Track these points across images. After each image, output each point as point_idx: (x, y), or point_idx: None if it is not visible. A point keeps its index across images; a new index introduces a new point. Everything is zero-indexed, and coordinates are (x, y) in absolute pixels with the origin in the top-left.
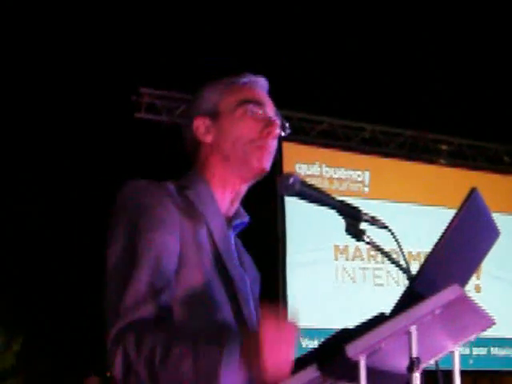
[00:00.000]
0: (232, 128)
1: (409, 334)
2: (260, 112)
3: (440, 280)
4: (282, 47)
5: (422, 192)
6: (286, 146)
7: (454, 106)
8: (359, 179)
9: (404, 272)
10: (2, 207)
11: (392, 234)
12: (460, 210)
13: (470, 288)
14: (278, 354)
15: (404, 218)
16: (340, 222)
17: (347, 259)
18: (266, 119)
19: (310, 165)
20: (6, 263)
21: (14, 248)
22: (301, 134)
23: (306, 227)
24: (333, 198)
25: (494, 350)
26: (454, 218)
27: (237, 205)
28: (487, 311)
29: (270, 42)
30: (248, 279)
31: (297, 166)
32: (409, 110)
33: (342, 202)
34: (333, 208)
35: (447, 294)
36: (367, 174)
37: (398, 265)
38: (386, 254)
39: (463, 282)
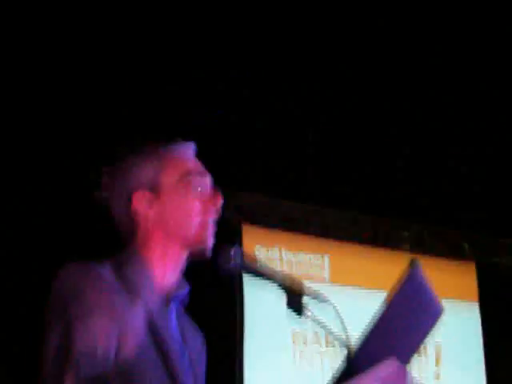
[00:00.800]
0: (176, 202)
1: None
2: (202, 183)
3: (380, 355)
4: (240, 132)
5: (383, 277)
6: (245, 228)
7: (414, 192)
8: (318, 263)
9: (346, 349)
10: None
11: (334, 309)
12: (400, 282)
13: (429, 375)
14: None
15: (365, 303)
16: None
17: (305, 343)
18: (209, 191)
19: (269, 248)
20: None
21: None
22: (261, 217)
23: (263, 311)
24: (274, 272)
25: None
26: (394, 289)
27: (177, 274)
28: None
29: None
30: (189, 354)
31: (256, 248)
32: (367, 196)
33: (284, 277)
34: (274, 282)
35: (385, 368)
36: (326, 258)
37: (340, 342)
38: (328, 330)
39: (405, 358)
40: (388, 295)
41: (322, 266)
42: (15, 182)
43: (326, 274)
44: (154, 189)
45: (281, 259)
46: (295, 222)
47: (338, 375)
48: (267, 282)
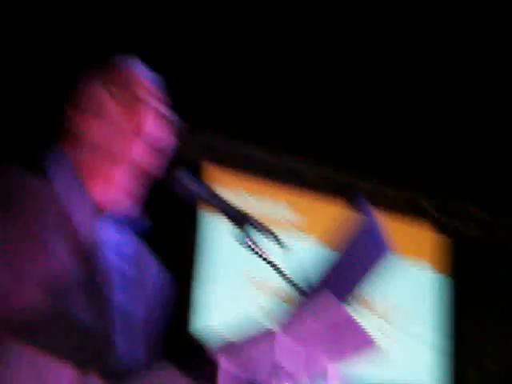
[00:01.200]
0: (123, 122)
1: (276, 339)
2: (156, 108)
3: (319, 289)
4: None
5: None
6: (207, 168)
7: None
8: (280, 210)
9: (285, 279)
10: None
11: (277, 240)
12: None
13: (378, 333)
14: None
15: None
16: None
17: (260, 289)
18: (157, 117)
19: (231, 190)
20: None
21: None
22: (224, 158)
23: (221, 253)
24: (222, 200)
25: None
26: (339, 225)
27: (119, 193)
28: (366, 331)
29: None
30: (145, 285)
31: (217, 190)
32: (332, 149)
33: (231, 205)
34: (220, 211)
35: (318, 301)
36: (286, 205)
37: (282, 275)
38: (271, 264)
39: (346, 295)
40: (333, 230)
41: (282, 213)
42: None
43: (287, 221)
44: (101, 106)
45: (243, 202)
46: (259, 166)
47: (271, 311)
48: (213, 206)
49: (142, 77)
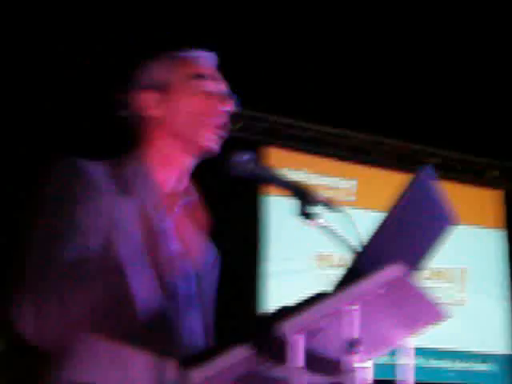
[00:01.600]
0: (185, 102)
1: (349, 313)
2: (213, 87)
3: (387, 260)
4: (272, 53)
5: None
6: (273, 151)
7: (443, 118)
8: (346, 187)
9: (351, 251)
10: None
11: (347, 217)
12: (409, 184)
13: (454, 301)
14: None
15: None
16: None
17: (331, 266)
18: (219, 94)
19: (296, 171)
20: None
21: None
22: (288, 139)
23: (287, 233)
24: (286, 178)
25: (476, 365)
26: (402, 192)
27: (185, 180)
28: (437, 301)
29: (259, 48)
30: (193, 260)
31: (283, 171)
32: (398, 120)
33: (296, 183)
34: (286, 188)
35: (389, 272)
36: (354, 182)
37: (352, 250)
38: (340, 239)
39: (414, 265)
40: (394, 199)
41: (349, 189)
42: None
43: (353, 197)
44: (163, 88)
45: (308, 182)
46: (323, 145)
47: (341, 279)
48: (279, 187)
49: (201, 58)
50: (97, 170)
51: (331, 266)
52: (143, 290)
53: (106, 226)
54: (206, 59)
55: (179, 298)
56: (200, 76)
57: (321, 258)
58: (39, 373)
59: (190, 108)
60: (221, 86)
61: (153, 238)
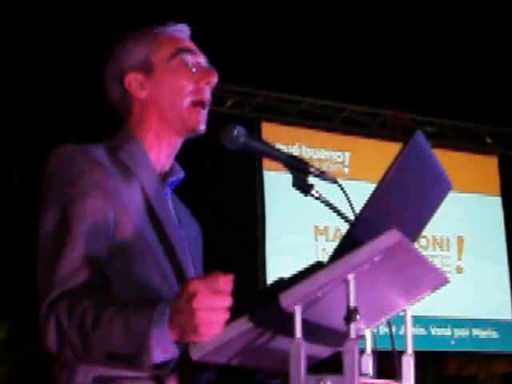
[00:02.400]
0: (168, 81)
1: (346, 282)
2: (194, 61)
3: (383, 228)
4: (263, 27)
5: None
6: (265, 125)
7: (435, 86)
8: (339, 160)
9: (349, 223)
10: None
11: (341, 188)
12: (402, 151)
13: (451, 269)
14: (211, 308)
15: None
16: (319, 203)
17: (327, 240)
18: (202, 68)
19: (289, 145)
20: None
21: None
22: (280, 114)
23: (285, 209)
24: (279, 151)
25: (476, 332)
26: (396, 159)
27: (172, 160)
28: (437, 266)
29: (252, 23)
30: (185, 236)
31: (276, 146)
32: (389, 91)
33: (289, 154)
34: (279, 160)
35: (385, 239)
36: (347, 154)
37: (346, 220)
38: (335, 209)
39: (412, 233)
40: (389, 165)
41: (342, 162)
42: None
43: (347, 170)
44: (146, 69)
45: (301, 156)
46: (315, 119)
47: (337, 249)
48: (272, 159)
49: (178, 32)
50: (99, 154)
51: (333, 240)
52: (158, 276)
53: (114, 211)
54: (181, 32)
55: (187, 276)
56: (180, 51)
57: (317, 230)
58: (54, 367)
59: (174, 87)
60: (201, 59)
61: (159, 220)
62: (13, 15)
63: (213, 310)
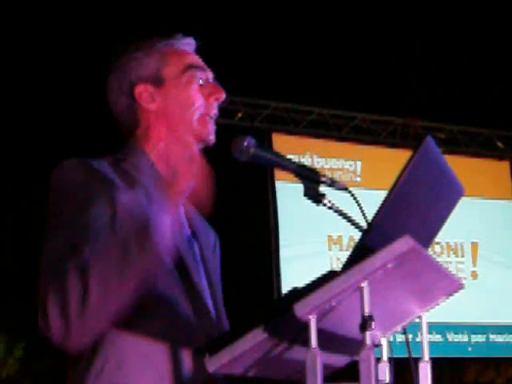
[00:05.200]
0: (179, 95)
1: (360, 290)
2: (204, 77)
3: (395, 235)
4: (272, 38)
5: None
6: (275, 136)
7: (445, 93)
8: (351, 169)
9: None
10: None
11: (353, 196)
12: (412, 157)
13: (466, 275)
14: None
15: None
16: (332, 212)
17: (341, 249)
18: (210, 84)
19: (300, 155)
20: (6, 269)
21: (13, 254)
22: (291, 124)
23: (298, 218)
24: (290, 161)
25: (493, 337)
26: (406, 165)
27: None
28: (451, 272)
29: (260, 34)
30: (198, 246)
31: (287, 156)
32: (399, 98)
33: (300, 164)
34: (289, 170)
35: (398, 246)
36: (359, 163)
37: (359, 228)
38: (346, 218)
39: (424, 240)
40: (400, 172)
41: (354, 171)
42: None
43: (359, 178)
44: (157, 81)
45: (313, 165)
46: (326, 128)
47: (350, 257)
48: (283, 169)
49: (189, 46)
50: (103, 166)
51: (347, 249)
52: (166, 284)
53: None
54: (190, 45)
55: (197, 286)
56: (190, 67)
57: (333, 240)
58: (68, 378)
59: (184, 101)
60: (209, 75)
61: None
62: (17, 32)
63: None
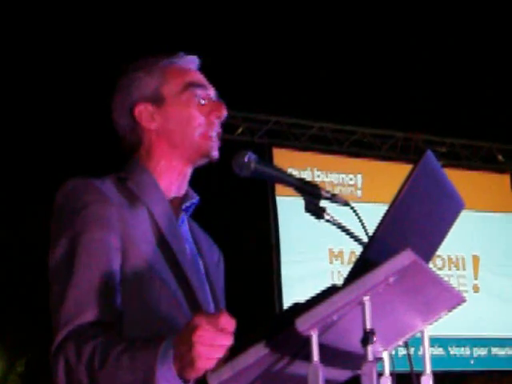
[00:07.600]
0: (179, 113)
1: (362, 304)
2: (204, 95)
3: (396, 248)
4: (272, 53)
5: None
6: (276, 151)
7: (445, 106)
8: (351, 183)
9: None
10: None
11: (354, 211)
12: (412, 171)
13: (468, 288)
14: (211, 343)
15: None
16: (333, 227)
17: (342, 264)
18: (212, 102)
19: (301, 170)
20: (8, 284)
21: (16, 269)
22: (291, 139)
23: (299, 233)
24: (290, 176)
25: (496, 350)
26: (406, 179)
27: (185, 186)
28: (453, 286)
29: (261, 49)
30: (203, 263)
31: (288, 171)
32: (400, 112)
33: (300, 179)
34: (290, 185)
35: (399, 260)
36: (359, 177)
37: (360, 242)
38: (348, 232)
39: (426, 253)
40: (400, 186)
41: (355, 185)
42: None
43: (359, 192)
44: (157, 100)
45: (313, 180)
46: (326, 143)
47: (352, 272)
48: (284, 184)
49: (190, 64)
50: (105, 186)
51: (348, 263)
52: (168, 302)
53: (123, 242)
54: (192, 64)
55: (201, 302)
56: (190, 85)
57: (334, 255)
58: None
59: (184, 120)
60: (211, 92)
61: (169, 246)
62: (20, 47)
63: (211, 346)
